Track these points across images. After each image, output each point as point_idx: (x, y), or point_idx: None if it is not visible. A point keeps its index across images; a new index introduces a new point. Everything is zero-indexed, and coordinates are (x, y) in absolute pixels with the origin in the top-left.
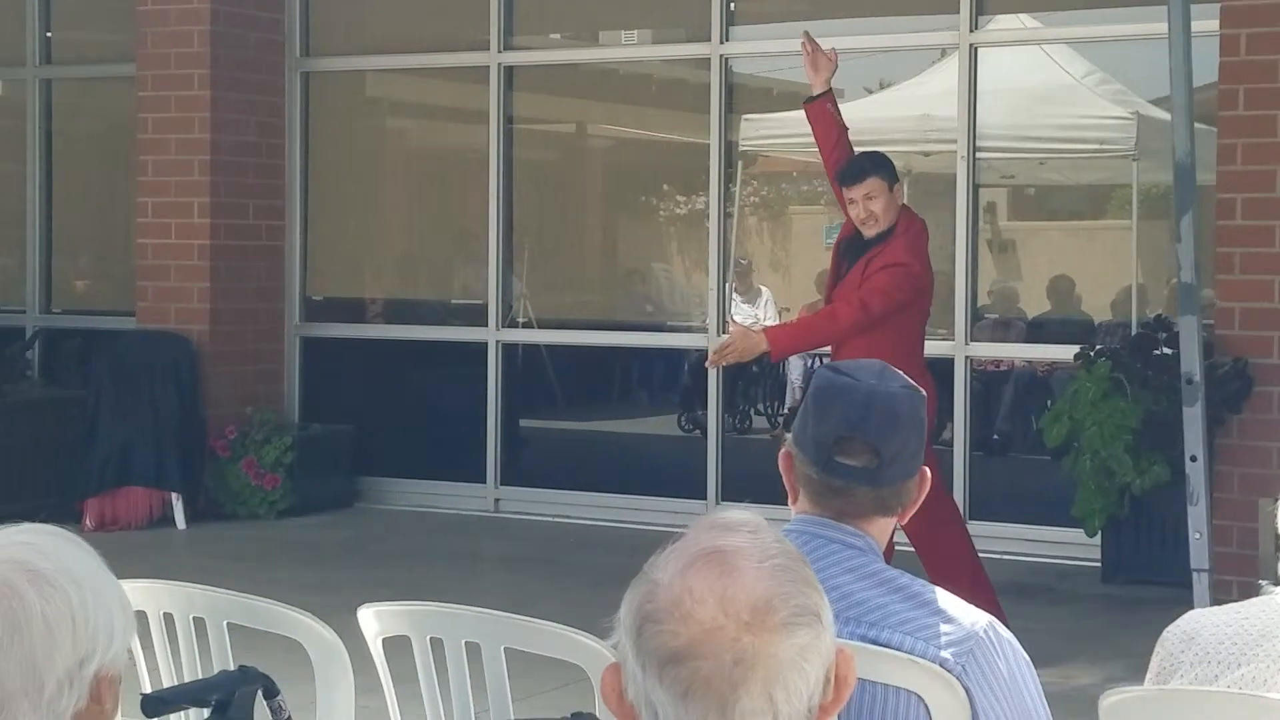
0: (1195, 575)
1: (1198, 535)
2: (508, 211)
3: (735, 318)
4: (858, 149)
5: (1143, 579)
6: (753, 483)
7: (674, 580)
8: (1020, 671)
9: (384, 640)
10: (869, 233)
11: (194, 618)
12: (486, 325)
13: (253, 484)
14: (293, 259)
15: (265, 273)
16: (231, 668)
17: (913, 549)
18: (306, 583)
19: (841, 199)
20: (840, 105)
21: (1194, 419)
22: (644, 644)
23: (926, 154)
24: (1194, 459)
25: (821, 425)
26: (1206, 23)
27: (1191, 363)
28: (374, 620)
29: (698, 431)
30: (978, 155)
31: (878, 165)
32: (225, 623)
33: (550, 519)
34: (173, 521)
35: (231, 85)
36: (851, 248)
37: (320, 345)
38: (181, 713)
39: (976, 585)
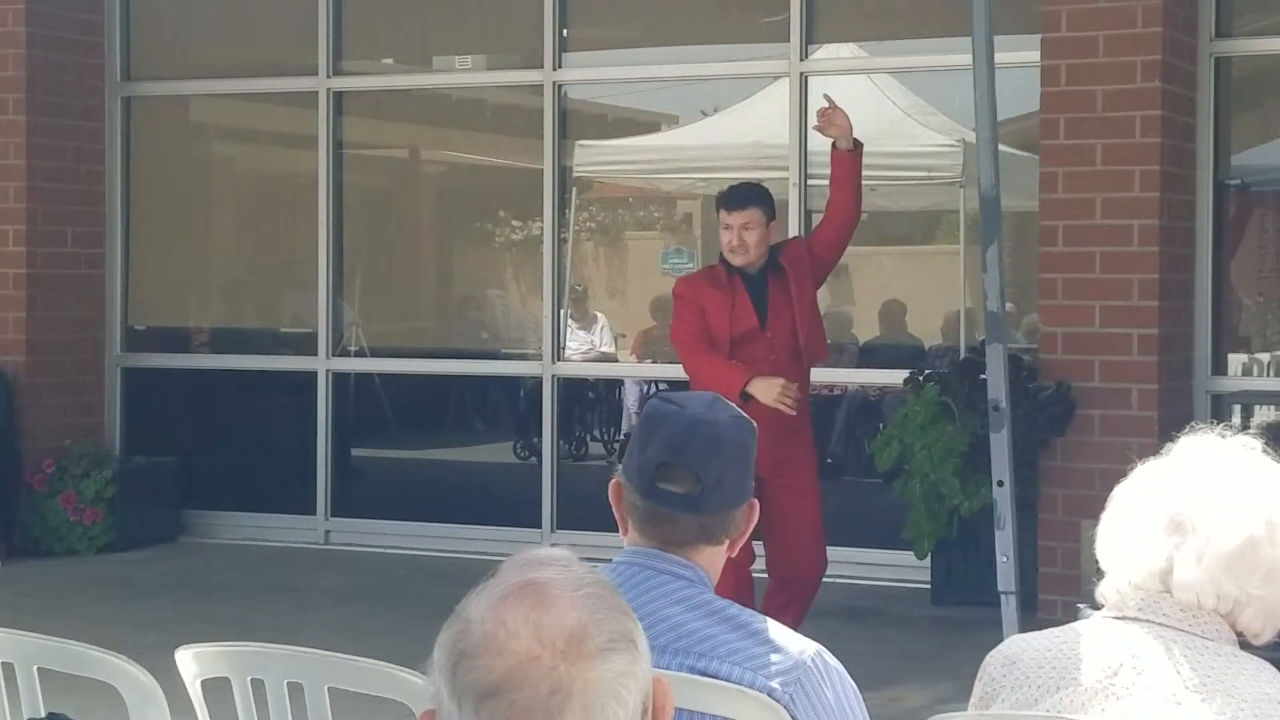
0: (1003, 598)
1: (1004, 559)
2: (338, 238)
3: (571, 345)
4: (692, 175)
5: (972, 600)
6: (588, 510)
7: (487, 615)
8: (848, 699)
9: (204, 682)
10: (736, 261)
11: (2, 663)
12: (316, 354)
13: (71, 519)
14: (114, 288)
15: (85, 302)
16: (41, 715)
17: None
18: (128, 621)
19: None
20: (673, 131)
21: (1000, 444)
22: (459, 681)
23: (759, 180)
24: (1000, 484)
25: (645, 452)
26: (1028, 53)
27: (998, 390)
28: (192, 662)
29: (534, 459)
30: (809, 182)
31: (760, 196)
32: (35, 668)
33: (382, 550)
34: None
35: (49, 110)
36: (749, 283)
37: (143, 376)
38: None
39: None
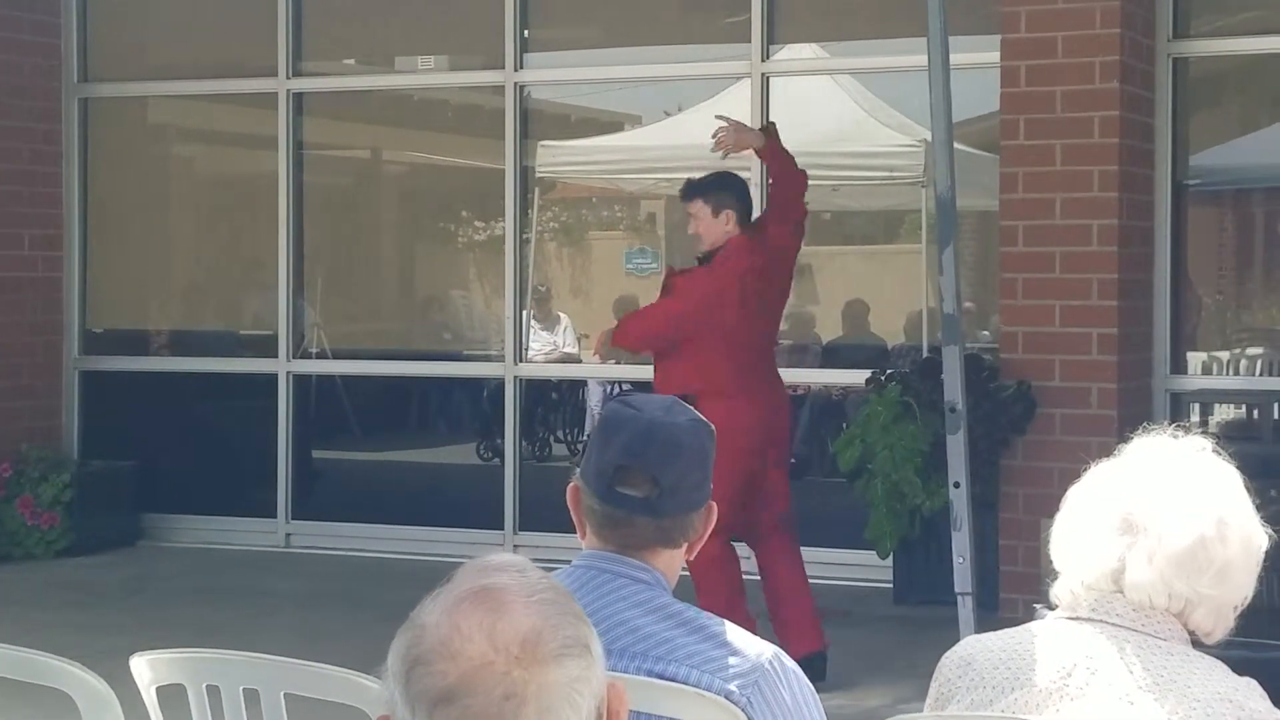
0: (960, 599)
1: (961, 560)
2: (298, 239)
3: (534, 345)
4: (655, 175)
5: (934, 599)
6: (551, 511)
7: (441, 621)
8: (805, 700)
9: (160, 689)
10: (696, 248)
11: None
12: (277, 356)
13: (28, 523)
14: (71, 291)
15: (42, 305)
16: None
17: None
18: (84, 625)
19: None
20: (635, 131)
21: (957, 446)
22: (413, 687)
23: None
24: (957, 485)
25: (603, 455)
26: (988, 54)
27: (955, 392)
28: (147, 669)
29: (496, 460)
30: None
31: (703, 188)
32: None
33: (344, 553)
34: None
35: (4, 113)
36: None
37: (102, 379)
38: None
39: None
